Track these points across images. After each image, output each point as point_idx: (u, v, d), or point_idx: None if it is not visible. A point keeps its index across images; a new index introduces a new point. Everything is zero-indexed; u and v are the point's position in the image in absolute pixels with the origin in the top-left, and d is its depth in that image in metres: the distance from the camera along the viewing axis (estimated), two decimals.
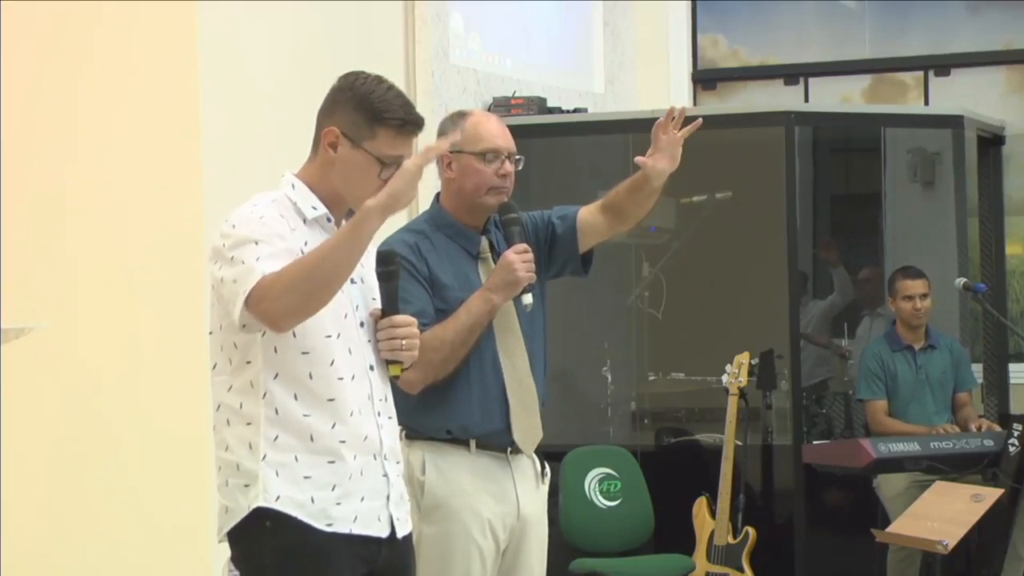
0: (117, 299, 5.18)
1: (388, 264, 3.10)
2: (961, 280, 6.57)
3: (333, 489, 2.98)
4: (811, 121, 7.36)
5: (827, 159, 8.28)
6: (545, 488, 3.92)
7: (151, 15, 5.18)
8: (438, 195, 3.90)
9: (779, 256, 6.71)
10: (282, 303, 2.86)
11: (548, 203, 4.04)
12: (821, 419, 7.51)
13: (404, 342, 3.07)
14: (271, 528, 2.94)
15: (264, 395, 2.96)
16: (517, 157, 3.82)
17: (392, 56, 6.45)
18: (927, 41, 8.22)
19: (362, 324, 3.09)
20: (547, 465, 3.92)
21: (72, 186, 5.20)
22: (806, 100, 8.35)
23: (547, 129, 7.05)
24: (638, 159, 3.79)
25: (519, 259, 3.69)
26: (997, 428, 6.49)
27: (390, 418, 3.12)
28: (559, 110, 7.30)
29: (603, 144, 7.08)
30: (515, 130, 4.01)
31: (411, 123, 3.05)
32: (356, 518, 3.01)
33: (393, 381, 3.16)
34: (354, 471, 3.01)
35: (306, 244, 3.00)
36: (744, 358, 6.48)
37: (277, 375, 2.96)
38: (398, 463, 3.14)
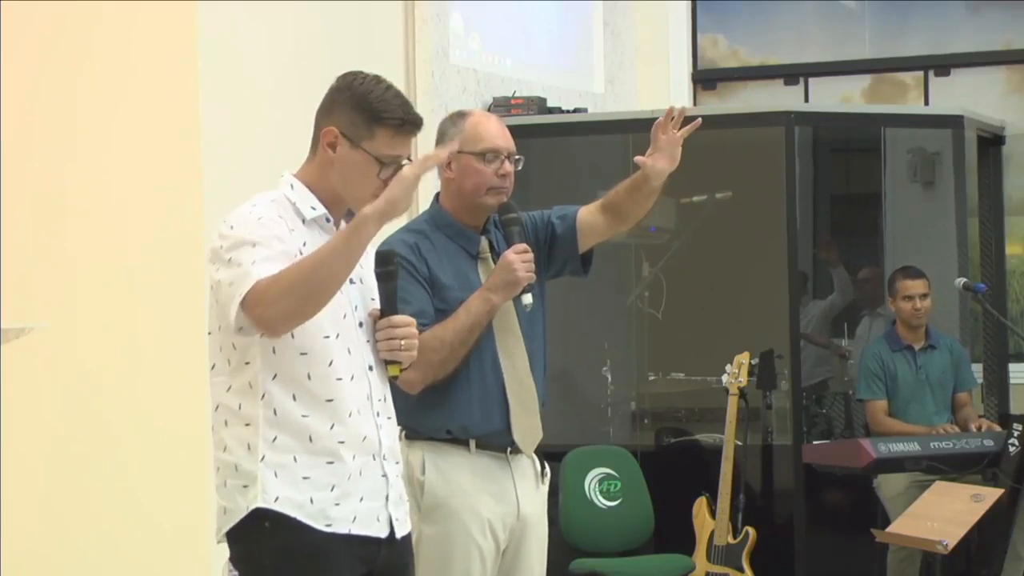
0: (117, 299, 5.18)
1: (387, 264, 3.10)
2: (961, 280, 6.57)
3: (332, 490, 2.98)
4: (811, 121, 7.36)
5: (827, 159, 8.28)
6: (545, 488, 3.92)
7: (151, 15, 5.18)
8: (438, 195, 3.90)
9: (779, 256, 6.71)
10: (277, 308, 2.86)
11: (548, 203, 4.04)
12: (821, 419, 7.51)
13: (403, 342, 3.07)
14: (270, 528, 2.95)
15: (263, 396, 2.96)
16: (517, 157, 3.82)
17: (392, 56, 6.46)
18: (927, 41, 8.22)
19: (361, 324, 3.09)
20: (547, 465, 3.92)
21: (72, 186, 5.20)
22: (806, 100, 8.35)
23: (547, 129, 7.04)
24: (637, 159, 3.79)
25: (519, 259, 3.69)
26: (997, 428, 6.49)
27: (389, 418, 3.12)
28: (559, 110, 7.30)
29: (603, 144, 7.08)
30: (515, 130, 4.01)
31: (409, 123, 3.05)
32: (355, 518, 3.01)
33: (392, 381, 3.16)
34: (353, 471, 3.01)
35: (305, 245, 3.00)
36: (744, 358, 6.48)
37: (276, 376, 2.96)
38: (397, 463, 3.14)
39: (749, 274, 7.22)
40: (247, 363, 2.97)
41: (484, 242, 3.84)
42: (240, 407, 2.98)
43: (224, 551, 3.06)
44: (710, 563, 6.31)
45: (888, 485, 6.39)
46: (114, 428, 5.12)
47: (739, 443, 6.38)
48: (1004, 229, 7.62)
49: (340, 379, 3.00)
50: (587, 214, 3.91)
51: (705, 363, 7.12)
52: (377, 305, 3.13)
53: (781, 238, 6.69)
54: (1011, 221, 7.77)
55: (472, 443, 3.76)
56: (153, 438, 5.08)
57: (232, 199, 3.11)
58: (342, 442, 2.99)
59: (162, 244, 5.15)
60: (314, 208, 3.05)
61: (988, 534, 6.18)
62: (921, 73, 8.23)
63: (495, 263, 3.76)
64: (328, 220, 3.07)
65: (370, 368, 3.08)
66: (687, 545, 6.37)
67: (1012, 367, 7.39)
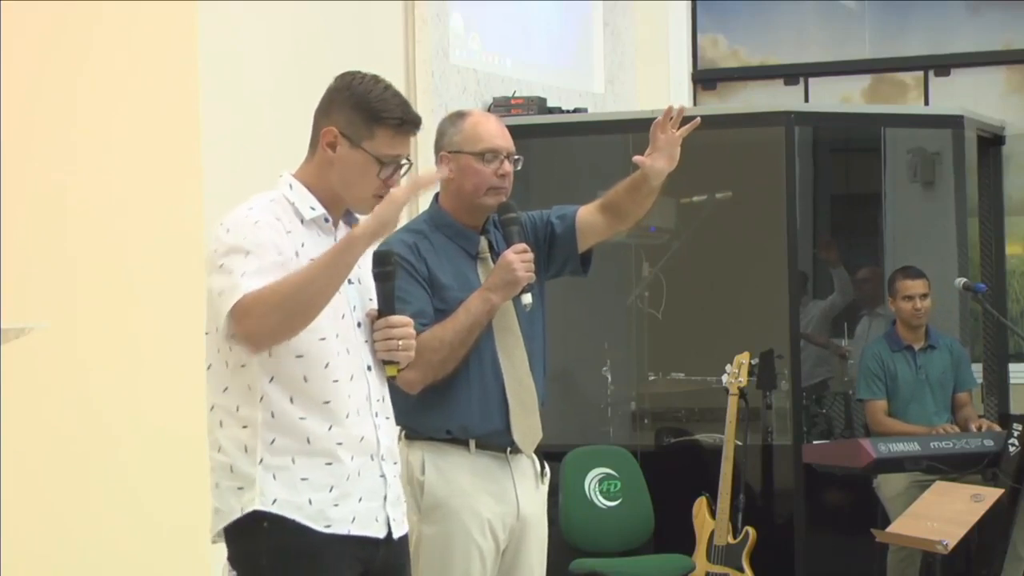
0: (117, 299, 5.17)
1: (385, 264, 3.10)
2: (961, 280, 6.57)
3: (331, 491, 2.98)
4: (811, 121, 7.36)
5: (827, 159, 8.28)
6: (545, 488, 3.92)
7: (151, 15, 5.18)
8: (437, 195, 3.90)
9: (779, 256, 6.71)
10: (264, 323, 2.87)
11: (548, 203, 4.04)
12: (821, 419, 7.51)
13: (400, 343, 3.07)
14: (268, 529, 2.95)
15: (261, 398, 2.96)
16: (516, 157, 3.82)
17: (392, 56, 6.45)
18: (927, 41, 8.22)
19: (359, 325, 3.09)
20: (547, 465, 3.92)
21: (72, 186, 5.20)
22: (806, 100, 8.35)
23: (547, 129, 7.05)
24: (636, 158, 3.79)
25: (518, 259, 3.69)
26: (997, 428, 6.49)
27: (387, 418, 3.13)
28: (559, 110, 7.30)
29: (603, 144, 7.08)
30: (515, 130, 4.01)
31: (409, 122, 3.06)
32: (354, 519, 3.01)
33: (391, 381, 3.16)
34: (351, 472, 3.01)
35: (303, 246, 3.00)
36: (744, 358, 6.48)
37: (272, 378, 2.96)
38: (395, 463, 3.14)
39: (749, 274, 7.22)
40: (243, 365, 2.97)
41: (483, 242, 3.84)
42: (238, 409, 2.98)
43: (223, 551, 3.06)
44: (710, 563, 6.31)
45: (888, 485, 6.39)
46: (114, 428, 5.11)
47: (739, 443, 6.38)
48: (1004, 229, 7.62)
49: (337, 381, 3.00)
50: (586, 214, 3.91)
51: (705, 363, 7.12)
52: (375, 305, 3.13)
53: (781, 238, 6.69)
54: (1011, 221, 7.77)
55: (472, 443, 3.76)
56: (153, 438, 5.08)
57: (232, 199, 3.11)
58: (340, 443, 3.00)
59: (162, 244, 5.15)
60: (313, 208, 3.05)
61: (988, 534, 6.18)
62: (921, 73, 8.23)
63: (494, 263, 3.76)
64: (327, 220, 3.07)
65: (368, 368, 3.08)
66: (687, 545, 6.37)
67: (1012, 367, 7.39)
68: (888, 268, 7.27)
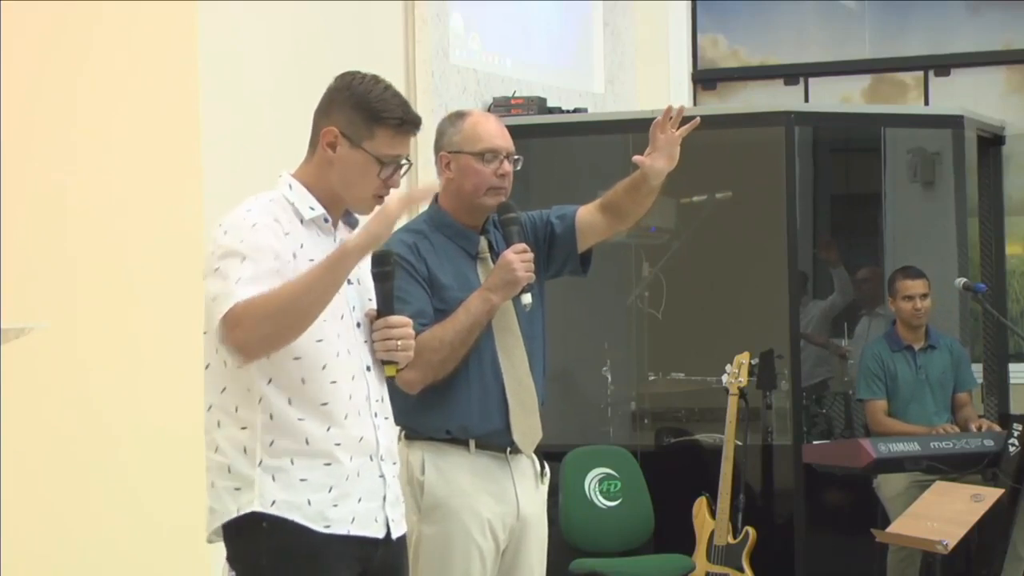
0: (117, 299, 5.17)
1: (384, 265, 3.10)
2: (961, 280, 6.57)
3: (330, 491, 2.98)
4: (811, 121, 7.36)
5: (827, 159, 8.28)
6: (545, 488, 3.92)
7: (151, 15, 5.18)
8: (437, 195, 3.90)
9: (779, 256, 6.71)
10: (253, 334, 2.87)
11: (548, 203, 4.04)
12: (821, 419, 7.50)
13: (399, 343, 3.08)
14: (268, 529, 2.95)
15: (260, 400, 2.96)
16: (516, 157, 3.82)
17: (392, 56, 6.45)
18: (927, 41, 8.22)
19: (359, 325, 3.09)
20: (547, 465, 3.92)
21: (72, 186, 5.20)
22: (806, 100, 8.35)
23: (547, 129, 7.05)
24: (636, 158, 3.79)
25: (518, 259, 3.69)
26: (997, 428, 6.49)
27: (386, 419, 3.13)
28: (559, 110, 7.30)
29: (603, 144, 7.08)
30: (515, 130, 4.01)
31: (409, 123, 3.06)
32: (354, 519, 3.01)
33: (391, 381, 3.16)
34: (350, 472, 3.01)
35: (302, 246, 3.00)
36: (744, 358, 6.48)
37: (271, 380, 2.96)
38: (394, 464, 3.14)
39: (749, 274, 7.22)
40: (241, 366, 2.97)
41: (483, 242, 3.84)
42: (237, 410, 2.98)
43: (223, 551, 3.06)
44: (710, 563, 6.31)
45: (888, 485, 6.39)
46: (114, 428, 5.11)
47: (739, 443, 6.38)
48: (1004, 229, 7.62)
49: (335, 382, 3.00)
50: (586, 214, 3.91)
51: (705, 363, 7.12)
52: (375, 305, 3.13)
53: (781, 238, 6.69)
54: (1011, 221, 7.77)
55: (472, 443, 3.76)
56: (153, 438, 5.08)
57: (232, 199, 3.11)
58: (338, 444, 3.00)
59: (162, 244, 5.15)
60: (312, 208, 3.05)
61: (988, 534, 6.18)
62: (921, 73, 8.23)
63: (494, 263, 3.76)
64: (326, 220, 3.07)
65: (368, 369, 3.08)
66: (687, 545, 6.37)
67: (1012, 367, 7.39)
68: (888, 268, 7.27)
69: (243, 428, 2.97)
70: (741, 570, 6.26)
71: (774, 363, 6.73)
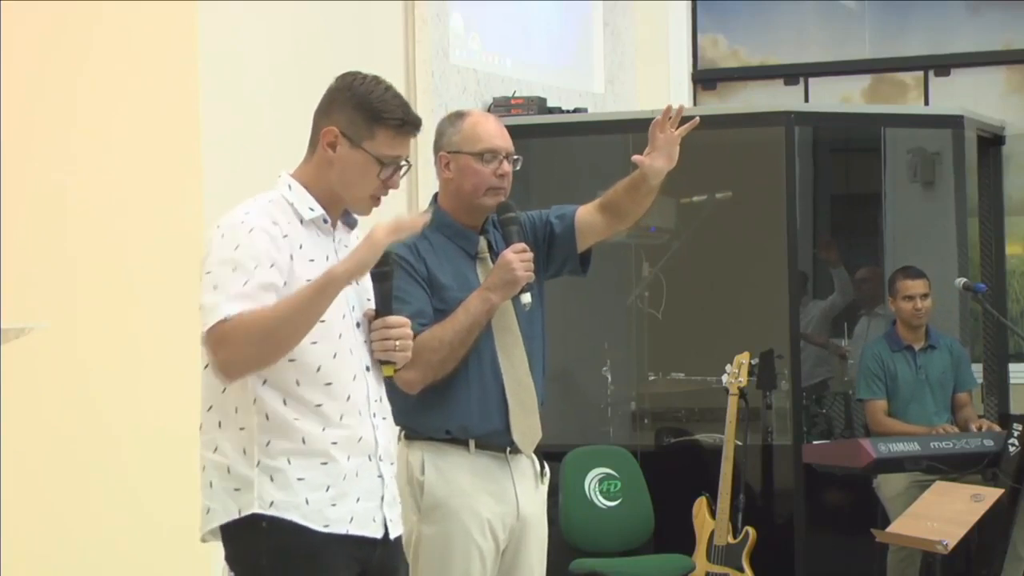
0: (117, 299, 5.17)
1: (382, 265, 3.10)
2: (961, 280, 6.57)
3: (327, 490, 2.98)
4: (811, 121, 7.36)
5: (827, 159, 8.28)
6: (544, 488, 3.92)
7: (151, 15, 5.18)
8: (436, 195, 3.91)
9: (779, 256, 6.71)
10: (236, 355, 2.88)
11: (548, 203, 4.04)
12: (821, 419, 7.50)
13: (397, 343, 3.08)
14: (267, 529, 2.95)
15: (255, 401, 2.97)
16: (515, 157, 3.82)
17: (392, 56, 6.45)
18: (927, 41, 8.22)
19: (358, 325, 3.09)
20: (546, 465, 3.92)
21: (72, 186, 5.20)
22: (806, 100, 8.35)
23: (547, 129, 7.05)
24: (635, 158, 3.79)
25: (517, 258, 3.69)
26: (997, 428, 6.49)
27: (385, 419, 3.13)
28: (559, 110, 7.30)
29: (603, 144, 7.08)
30: (515, 130, 4.01)
31: (409, 123, 3.06)
32: (352, 519, 3.01)
33: (390, 381, 3.16)
34: (348, 472, 3.01)
35: (301, 247, 3.00)
36: (744, 358, 6.48)
37: (265, 382, 2.97)
38: (392, 464, 3.14)
39: (749, 274, 7.22)
40: (225, 384, 2.97)
41: (483, 242, 3.84)
42: (236, 411, 2.98)
43: (222, 550, 3.06)
44: (710, 563, 6.31)
45: (888, 485, 6.39)
46: (114, 428, 5.11)
47: (739, 443, 6.38)
48: (1004, 229, 7.61)
49: (330, 384, 3.00)
50: (585, 213, 3.91)
51: (705, 363, 7.12)
52: (373, 306, 3.13)
53: (781, 238, 6.69)
54: (1011, 221, 7.77)
55: (471, 443, 3.76)
56: (153, 438, 5.08)
57: (232, 199, 3.11)
58: (335, 443, 3.00)
59: (162, 244, 5.15)
60: (312, 209, 3.05)
61: (988, 534, 6.18)
62: (921, 73, 8.23)
63: (494, 263, 3.76)
64: (326, 221, 3.07)
65: (367, 368, 3.08)
66: (687, 545, 6.37)
67: (1012, 367, 7.39)
68: (888, 268, 7.27)
69: (241, 429, 2.98)
70: (741, 570, 6.26)
71: (774, 363, 6.73)
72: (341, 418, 3.01)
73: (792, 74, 8.42)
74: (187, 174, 5.19)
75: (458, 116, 3.86)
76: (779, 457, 6.75)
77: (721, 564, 6.30)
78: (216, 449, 3.00)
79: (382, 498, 3.08)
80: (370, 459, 3.06)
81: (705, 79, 8.55)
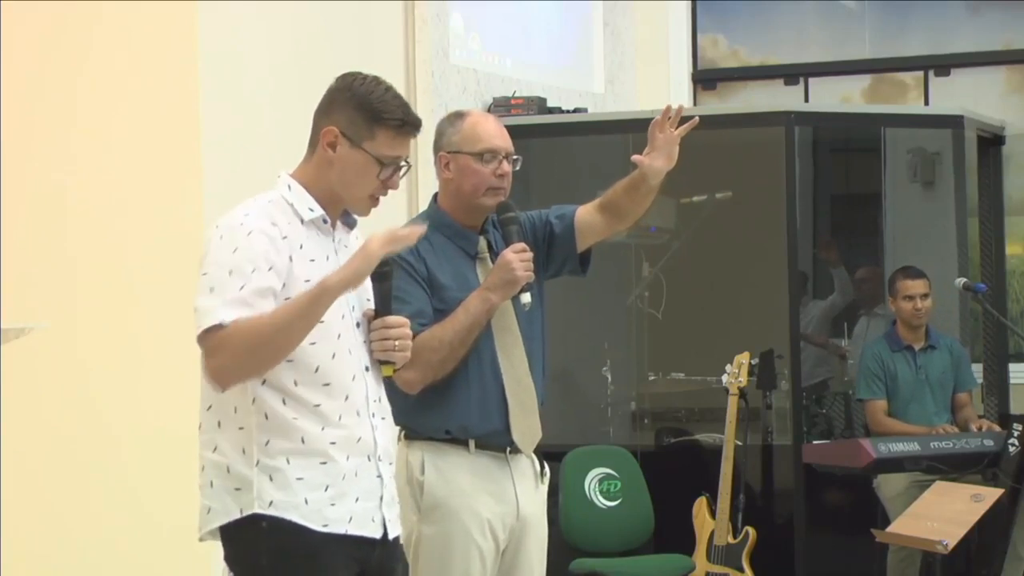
0: (117, 299, 5.18)
1: (382, 265, 3.10)
2: (961, 280, 6.57)
3: (326, 490, 2.98)
4: (811, 121, 7.36)
5: (827, 159, 8.28)
6: (544, 488, 3.92)
7: (151, 15, 5.18)
8: (436, 195, 3.90)
9: (779, 256, 6.71)
10: (229, 364, 2.89)
11: (548, 203, 4.04)
12: (821, 419, 7.50)
13: (397, 343, 3.08)
14: (267, 529, 2.95)
15: (254, 400, 2.97)
16: (515, 157, 3.82)
17: (392, 56, 6.45)
18: (927, 41, 8.22)
19: (357, 325, 3.09)
20: (546, 465, 3.92)
21: (72, 186, 5.20)
22: (806, 100, 8.35)
23: (547, 129, 7.05)
24: (635, 158, 3.79)
25: (517, 258, 3.69)
26: (997, 428, 6.49)
27: (384, 419, 3.13)
28: (559, 110, 7.30)
29: (603, 144, 7.08)
30: (515, 130, 4.01)
31: (409, 124, 3.07)
32: (351, 519, 3.01)
33: (390, 381, 3.16)
34: (347, 472, 3.01)
35: (301, 247, 3.00)
36: (744, 358, 6.48)
37: (265, 382, 2.97)
38: (391, 464, 3.14)
39: (749, 274, 7.22)
40: (218, 392, 2.97)
41: (482, 242, 3.84)
42: (235, 410, 2.99)
43: (220, 550, 3.07)
44: (710, 563, 6.31)
45: (888, 485, 6.39)
46: (114, 428, 5.12)
47: (739, 443, 6.38)
48: (1004, 229, 7.62)
49: (328, 384, 3.00)
50: (585, 213, 3.90)
51: (705, 363, 7.12)
52: (373, 306, 3.13)
53: (781, 238, 6.70)
54: (1011, 221, 7.77)
55: (471, 443, 3.76)
56: (153, 438, 5.08)
57: (232, 199, 3.11)
58: (333, 443, 3.00)
59: (162, 244, 5.15)
60: (312, 209, 3.06)
61: (988, 534, 6.18)
62: (921, 73, 8.23)
63: (493, 263, 3.76)
64: (325, 221, 3.07)
65: (366, 369, 3.09)
66: (687, 545, 6.37)
67: (1012, 367, 7.39)
68: (888, 268, 7.27)
69: (240, 428, 2.98)
70: (741, 570, 6.26)
71: (774, 363, 6.73)
72: (340, 418, 3.01)
73: (792, 74, 8.42)
74: (187, 174, 5.19)
75: (458, 116, 3.86)
76: (779, 457, 6.76)
77: (721, 564, 6.30)
78: (215, 449, 3.00)
79: (381, 498, 3.08)
80: (369, 459, 3.06)
81: (705, 79, 8.55)
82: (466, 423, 3.75)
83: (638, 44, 8.27)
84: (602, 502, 6.39)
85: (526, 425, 3.79)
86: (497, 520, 3.77)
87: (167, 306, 5.06)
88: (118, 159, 5.21)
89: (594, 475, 6.41)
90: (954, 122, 7.23)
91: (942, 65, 8.18)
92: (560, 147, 7.26)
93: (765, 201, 6.93)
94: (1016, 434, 6.16)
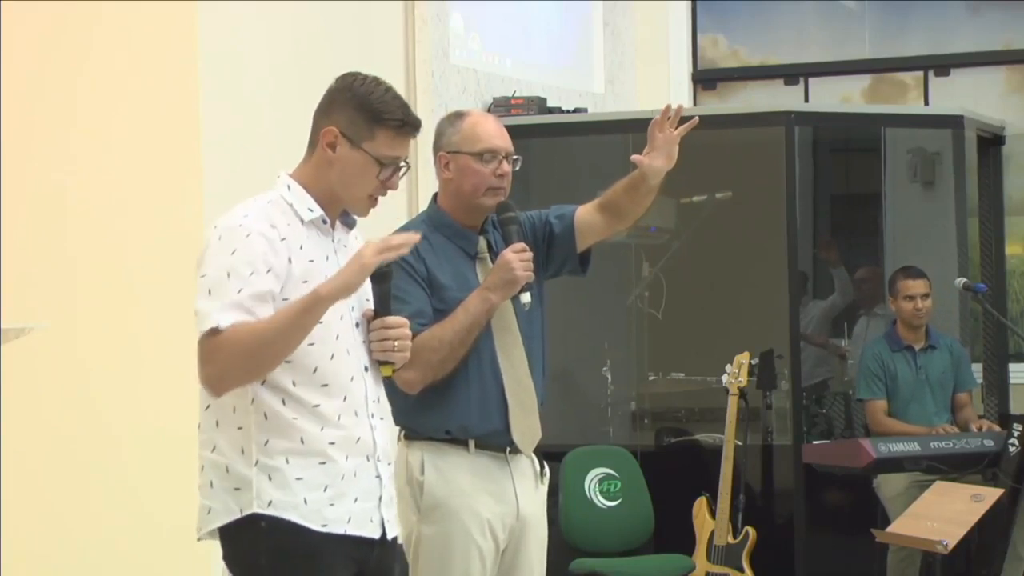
0: (117, 299, 5.18)
1: (381, 265, 3.10)
2: (961, 280, 6.57)
3: (325, 490, 2.98)
4: (811, 121, 7.36)
5: (827, 159, 8.28)
6: (544, 488, 3.92)
7: (151, 15, 5.18)
8: (435, 195, 3.90)
9: (779, 256, 6.71)
10: (223, 371, 2.90)
11: (548, 203, 4.04)
12: (821, 419, 7.50)
13: (396, 343, 3.08)
14: (266, 529, 2.95)
15: (252, 400, 2.97)
16: (515, 157, 3.82)
17: (392, 56, 6.46)
18: (927, 41, 8.22)
19: (357, 325, 3.09)
20: (546, 465, 3.92)
21: (72, 186, 5.20)
22: (806, 100, 8.35)
23: (547, 129, 7.05)
24: (634, 158, 3.79)
25: (517, 258, 3.69)
26: (997, 428, 6.49)
27: (383, 419, 3.13)
28: (559, 110, 7.30)
29: (603, 144, 7.08)
30: (515, 130, 4.01)
31: (409, 124, 3.07)
32: (350, 519, 3.02)
33: (390, 381, 3.16)
34: (346, 472, 3.01)
35: (301, 247, 3.00)
36: (744, 358, 6.48)
37: (264, 382, 2.97)
38: (389, 464, 3.14)
39: (749, 274, 7.22)
40: (212, 398, 2.98)
41: (482, 242, 3.84)
42: (235, 410, 2.99)
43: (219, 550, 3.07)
44: (710, 563, 6.31)
45: (888, 485, 6.39)
46: (114, 428, 5.12)
47: (739, 443, 6.38)
48: (1004, 229, 7.62)
49: (326, 385, 3.01)
50: (585, 213, 3.90)
51: (705, 363, 7.12)
52: (372, 306, 3.13)
53: (781, 238, 6.70)
54: (1011, 221, 7.77)
55: (471, 443, 3.76)
56: (153, 438, 5.08)
57: (232, 199, 3.11)
58: (332, 443, 3.00)
59: (162, 244, 5.15)
60: (311, 210, 3.06)
61: (988, 534, 6.18)
62: (921, 73, 8.23)
63: (493, 263, 3.76)
64: (325, 221, 3.07)
65: (366, 369, 3.09)
66: (687, 545, 6.37)
67: (1012, 367, 7.39)
68: (888, 268, 7.27)
69: (239, 428, 2.98)
70: (741, 570, 6.26)
71: (774, 363, 6.73)
72: (339, 418, 3.01)
73: (792, 74, 8.42)
74: (187, 174, 5.19)
75: (457, 116, 3.86)
76: (779, 457, 6.76)
77: (721, 564, 6.30)
78: (214, 448, 3.00)
79: (380, 498, 3.08)
80: (368, 459, 3.06)
81: (705, 79, 8.56)
82: (466, 423, 3.75)
83: (638, 44, 8.27)
84: (602, 502, 6.39)
85: (526, 425, 3.79)
86: (497, 520, 3.77)
87: (167, 306, 5.07)
88: (118, 159, 5.21)
89: (594, 475, 6.41)
90: (954, 122, 7.23)
91: (942, 65, 8.18)
92: (560, 147, 7.26)
93: (765, 201, 6.93)
94: (1016, 434, 6.16)
